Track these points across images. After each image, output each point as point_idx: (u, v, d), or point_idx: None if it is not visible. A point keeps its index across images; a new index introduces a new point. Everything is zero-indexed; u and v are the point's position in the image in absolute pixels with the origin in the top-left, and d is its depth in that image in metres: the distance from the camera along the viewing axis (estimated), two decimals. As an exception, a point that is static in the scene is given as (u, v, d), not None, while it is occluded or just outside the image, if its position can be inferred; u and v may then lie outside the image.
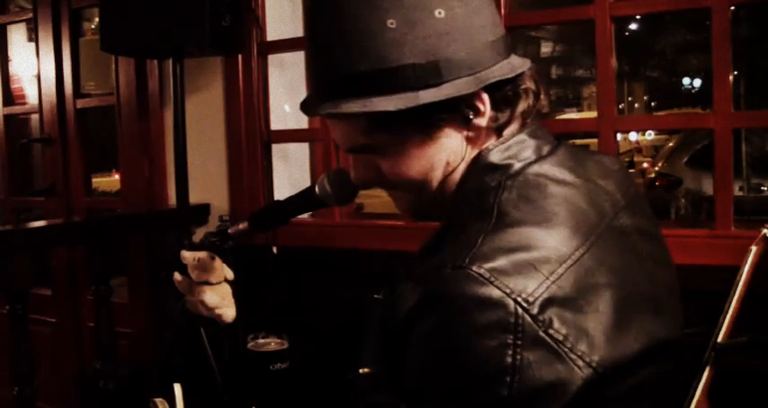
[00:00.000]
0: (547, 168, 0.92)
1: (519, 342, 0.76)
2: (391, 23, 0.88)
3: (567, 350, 0.77)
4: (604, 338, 0.80)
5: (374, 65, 0.88)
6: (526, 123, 0.96)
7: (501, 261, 0.79)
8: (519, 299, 0.77)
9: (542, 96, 0.98)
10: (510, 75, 0.92)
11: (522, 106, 0.95)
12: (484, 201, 0.88)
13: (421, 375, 0.81)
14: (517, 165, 0.92)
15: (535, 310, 0.77)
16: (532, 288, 0.78)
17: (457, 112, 0.92)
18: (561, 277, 0.80)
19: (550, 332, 0.77)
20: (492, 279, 0.77)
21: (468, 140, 0.94)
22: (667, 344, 0.90)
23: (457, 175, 0.96)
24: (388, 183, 0.99)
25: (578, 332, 0.78)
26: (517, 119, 0.95)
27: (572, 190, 0.91)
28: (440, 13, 0.88)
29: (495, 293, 0.77)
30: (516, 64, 0.94)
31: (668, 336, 0.90)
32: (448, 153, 0.94)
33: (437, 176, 0.96)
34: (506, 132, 0.95)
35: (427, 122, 0.92)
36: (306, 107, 0.99)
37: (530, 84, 0.96)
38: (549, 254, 0.81)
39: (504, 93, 0.93)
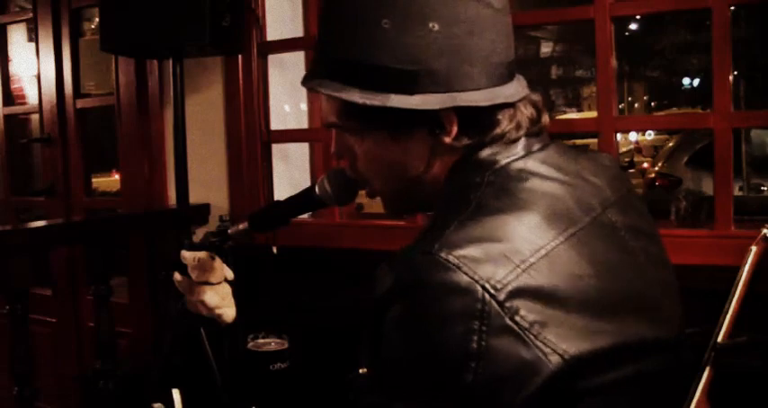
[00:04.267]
0: (531, 164, 0.92)
1: (484, 328, 0.76)
2: (385, 23, 0.89)
3: (532, 336, 0.77)
4: (577, 329, 0.80)
5: (359, 57, 0.91)
6: (516, 138, 0.95)
7: (470, 249, 0.80)
8: (487, 286, 0.77)
9: (542, 121, 0.98)
10: (484, 104, 0.91)
11: (496, 131, 0.94)
12: (466, 196, 0.89)
13: (389, 360, 0.82)
14: (502, 161, 0.92)
15: (502, 296, 0.77)
16: (501, 275, 0.78)
17: (424, 124, 0.93)
18: (532, 266, 0.80)
19: (516, 319, 0.77)
20: (460, 265, 0.78)
21: (434, 151, 0.96)
22: (655, 344, 0.89)
23: (439, 176, 0.97)
24: (357, 165, 1.03)
25: (547, 321, 0.78)
26: (492, 141, 0.94)
27: (555, 185, 0.91)
28: (434, 26, 0.89)
29: (464, 279, 0.77)
30: (504, 92, 0.94)
31: (656, 336, 0.90)
32: (411, 157, 0.96)
33: (397, 175, 0.98)
34: (507, 136, 0.95)
35: (394, 124, 0.94)
36: (303, 78, 1.03)
37: (522, 112, 0.95)
38: (521, 243, 0.82)
39: (476, 119, 0.93)
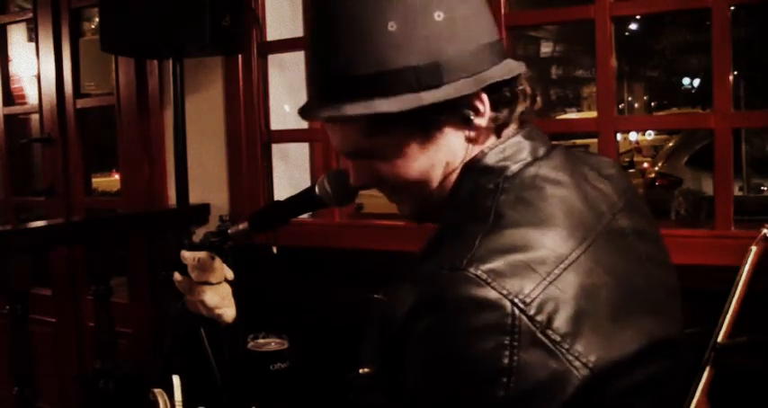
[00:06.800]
0: (544, 170, 0.92)
1: (516, 343, 0.76)
2: (391, 26, 0.88)
3: (563, 350, 0.77)
4: (602, 338, 0.80)
5: (375, 67, 0.89)
6: (523, 124, 0.97)
7: (498, 263, 0.79)
8: (516, 300, 0.77)
9: (537, 99, 1.00)
10: (508, 77, 0.93)
11: (520, 107, 0.96)
12: (481, 204, 0.89)
13: (419, 376, 0.81)
14: (513, 167, 0.92)
15: (532, 311, 0.77)
16: (529, 288, 0.78)
17: (457, 113, 0.92)
18: (558, 277, 0.80)
19: (548, 332, 0.77)
20: (489, 280, 0.78)
21: (469, 140, 0.95)
22: (665, 343, 0.90)
23: (453, 177, 0.96)
24: (389, 186, 0.99)
25: (575, 333, 0.78)
26: (516, 119, 0.96)
27: (569, 192, 0.91)
28: (439, 15, 0.89)
29: (493, 294, 0.77)
30: (513, 66, 0.95)
31: (666, 335, 0.91)
32: (447, 153, 0.95)
33: (437, 176, 0.96)
34: (503, 134, 0.96)
35: (427, 123, 0.92)
36: (305, 112, 0.99)
37: (526, 87, 0.98)
38: (546, 255, 0.82)
39: (503, 94, 0.94)
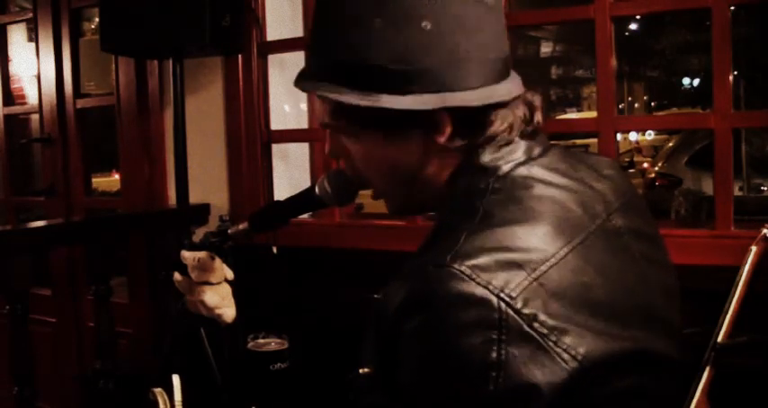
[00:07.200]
0: (536, 170, 0.92)
1: (504, 338, 0.76)
2: (378, 22, 0.89)
3: (552, 343, 0.77)
4: (590, 333, 0.80)
5: (351, 57, 0.91)
6: (500, 148, 0.94)
7: (482, 259, 0.79)
8: (502, 295, 0.77)
9: (536, 120, 0.97)
10: (476, 104, 0.91)
11: (488, 132, 0.93)
12: (471, 203, 0.89)
13: (413, 373, 0.81)
14: (505, 167, 0.92)
15: (519, 304, 0.77)
16: (515, 283, 0.78)
17: (416, 124, 0.92)
18: (544, 274, 0.80)
19: (535, 325, 0.77)
20: (473, 276, 0.78)
21: (428, 151, 0.95)
22: (659, 355, 0.89)
23: (437, 176, 0.97)
24: (356, 169, 1.03)
25: (563, 326, 0.78)
26: (483, 143, 0.94)
27: (561, 192, 0.91)
28: (426, 25, 0.88)
29: (478, 290, 0.77)
30: (498, 91, 0.93)
31: (660, 348, 0.90)
32: (405, 157, 0.96)
33: (398, 175, 0.98)
34: (499, 137, 0.95)
35: (388, 124, 0.94)
36: (296, 79, 1.02)
37: (515, 112, 0.95)
38: (532, 252, 0.82)
39: (469, 119, 0.92)
